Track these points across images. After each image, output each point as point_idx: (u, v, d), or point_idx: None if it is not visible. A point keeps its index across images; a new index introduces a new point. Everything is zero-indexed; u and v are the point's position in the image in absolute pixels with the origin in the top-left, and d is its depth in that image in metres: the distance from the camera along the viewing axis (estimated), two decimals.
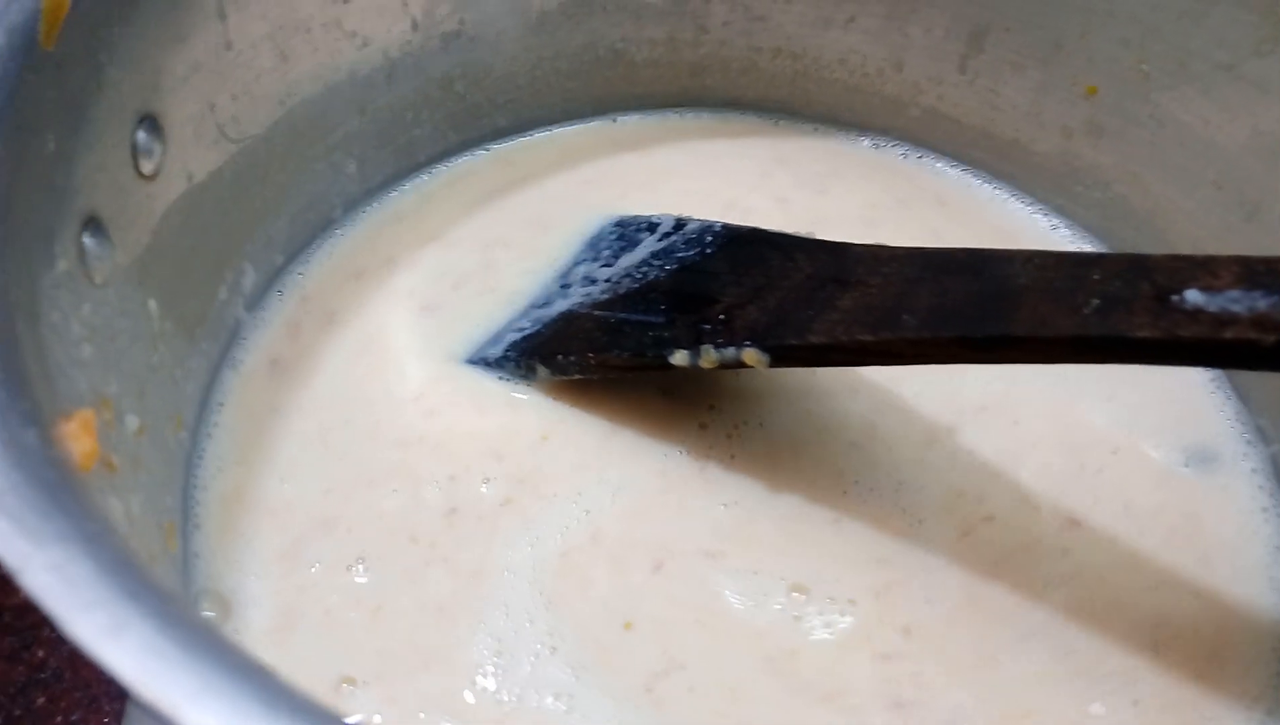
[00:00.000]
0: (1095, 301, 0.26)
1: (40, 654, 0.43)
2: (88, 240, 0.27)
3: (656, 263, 0.38)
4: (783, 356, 0.33)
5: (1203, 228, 0.42)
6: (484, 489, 0.35)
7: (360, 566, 0.33)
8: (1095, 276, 0.27)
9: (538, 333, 0.38)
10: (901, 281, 0.31)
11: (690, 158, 0.47)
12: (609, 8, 0.46)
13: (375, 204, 0.44)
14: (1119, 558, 0.35)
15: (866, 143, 0.49)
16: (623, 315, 0.37)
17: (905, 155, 0.48)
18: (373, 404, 0.37)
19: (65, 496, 0.17)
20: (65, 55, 0.26)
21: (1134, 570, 0.35)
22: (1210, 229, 0.41)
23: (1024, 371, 0.31)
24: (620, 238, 0.41)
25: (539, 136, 0.48)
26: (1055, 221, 0.46)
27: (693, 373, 0.35)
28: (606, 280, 0.39)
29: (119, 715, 0.42)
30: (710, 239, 0.38)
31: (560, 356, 0.37)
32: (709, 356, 0.34)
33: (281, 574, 0.33)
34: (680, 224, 0.40)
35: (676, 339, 0.35)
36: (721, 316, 0.34)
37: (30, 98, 0.25)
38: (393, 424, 0.37)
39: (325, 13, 0.38)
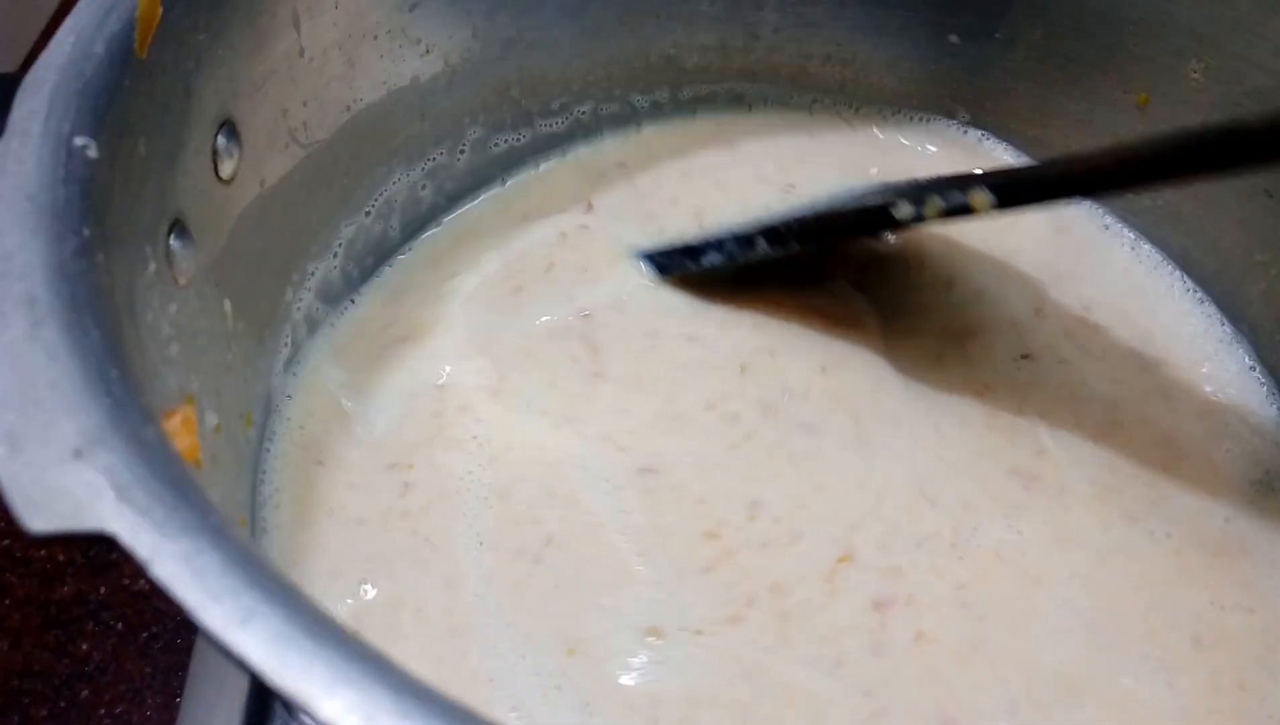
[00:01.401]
0: None
1: (84, 647, 0.44)
2: (174, 242, 0.28)
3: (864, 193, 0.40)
4: (1012, 193, 0.33)
5: (1254, 235, 0.42)
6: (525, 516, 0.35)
7: (369, 587, 0.33)
8: None
9: (761, 226, 0.40)
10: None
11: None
12: (661, 15, 0.47)
13: (435, 208, 0.45)
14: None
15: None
16: (843, 201, 0.39)
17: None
18: (431, 410, 0.38)
19: (188, 490, 0.17)
20: (156, 63, 0.27)
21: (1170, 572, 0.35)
22: (1261, 235, 0.41)
23: None
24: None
25: (587, 141, 0.49)
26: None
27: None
28: (830, 198, 0.41)
29: (162, 708, 0.43)
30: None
31: (782, 230, 0.39)
32: (934, 204, 0.34)
33: (333, 592, 0.33)
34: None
35: (901, 193, 0.36)
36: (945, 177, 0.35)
37: (125, 103, 0.26)
38: (451, 431, 0.37)
39: (391, 20, 0.39)
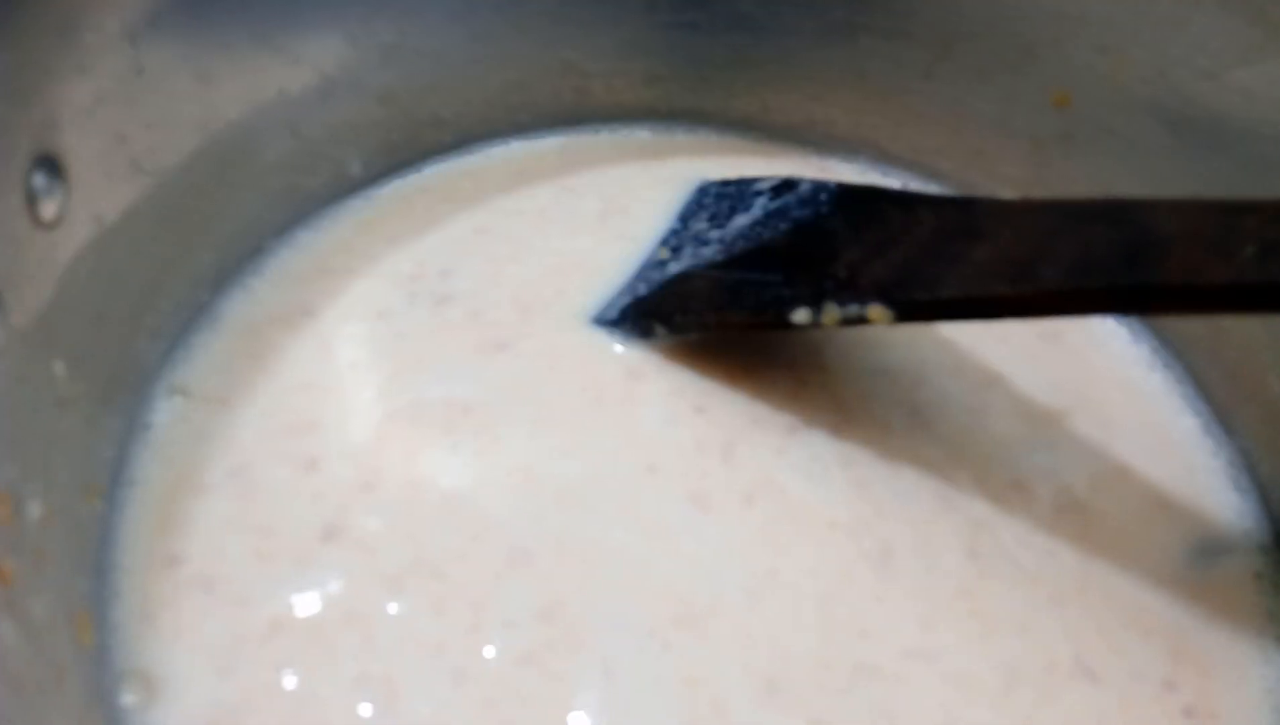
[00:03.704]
0: (1251, 248, 0.26)
1: None
2: None
3: (771, 223, 0.38)
4: (910, 312, 0.32)
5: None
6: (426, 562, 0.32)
7: (290, 673, 0.30)
8: (1250, 223, 0.26)
9: (653, 294, 0.38)
10: (1037, 233, 0.30)
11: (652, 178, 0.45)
12: (555, 15, 0.43)
13: (310, 230, 0.41)
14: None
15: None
16: (740, 274, 0.37)
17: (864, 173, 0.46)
18: (307, 450, 0.34)
19: None
20: None
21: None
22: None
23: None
24: (727, 198, 0.41)
25: (482, 155, 0.45)
26: None
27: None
28: (720, 241, 0.38)
29: None
30: (825, 197, 0.37)
31: (679, 316, 0.37)
32: (831, 313, 0.33)
33: (212, 651, 0.30)
34: (791, 184, 0.39)
35: (797, 297, 0.34)
36: (843, 274, 0.34)
37: None
38: (328, 471, 0.34)
39: (249, 29, 0.35)
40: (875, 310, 0.32)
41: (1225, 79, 0.36)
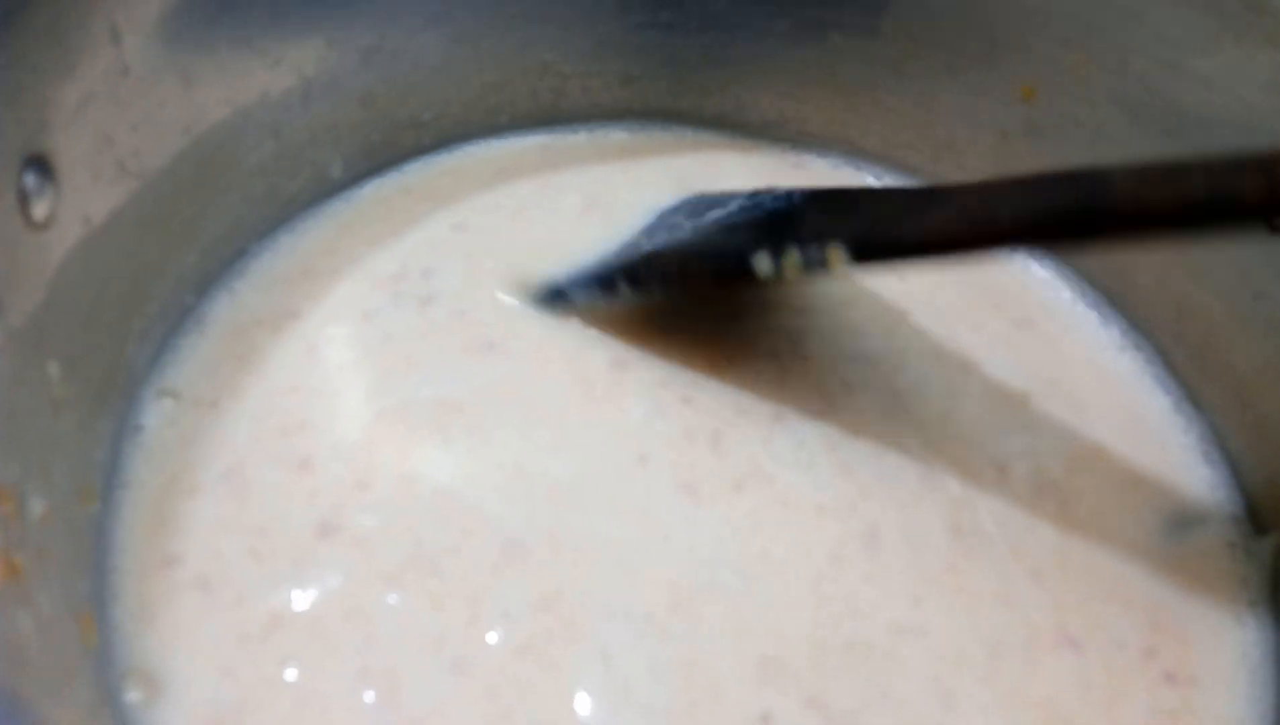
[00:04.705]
0: (1198, 182, 0.27)
1: None
2: None
3: (743, 212, 0.39)
4: (867, 252, 0.33)
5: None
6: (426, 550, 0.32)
7: (291, 668, 0.30)
8: (1196, 172, 0.27)
9: (622, 264, 0.39)
10: (996, 194, 0.31)
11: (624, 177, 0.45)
12: (532, 17, 0.44)
13: (292, 233, 0.41)
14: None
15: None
16: (705, 240, 0.38)
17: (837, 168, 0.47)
18: (299, 450, 0.34)
19: None
20: None
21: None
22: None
23: None
24: (707, 202, 0.42)
25: (461, 154, 0.46)
26: None
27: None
28: (694, 228, 0.40)
29: None
30: (798, 195, 0.38)
31: (644, 272, 0.38)
32: (792, 258, 0.34)
33: (212, 649, 0.30)
34: (769, 189, 0.40)
35: (758, 242, 0.35)
36: (807, 232, 0.35)
37: None
38: (321, 471, 0.34)
39: (232, 32, 0.35)
40: (835, 251, 0.33)
41: (1184, 68, 0.38)
